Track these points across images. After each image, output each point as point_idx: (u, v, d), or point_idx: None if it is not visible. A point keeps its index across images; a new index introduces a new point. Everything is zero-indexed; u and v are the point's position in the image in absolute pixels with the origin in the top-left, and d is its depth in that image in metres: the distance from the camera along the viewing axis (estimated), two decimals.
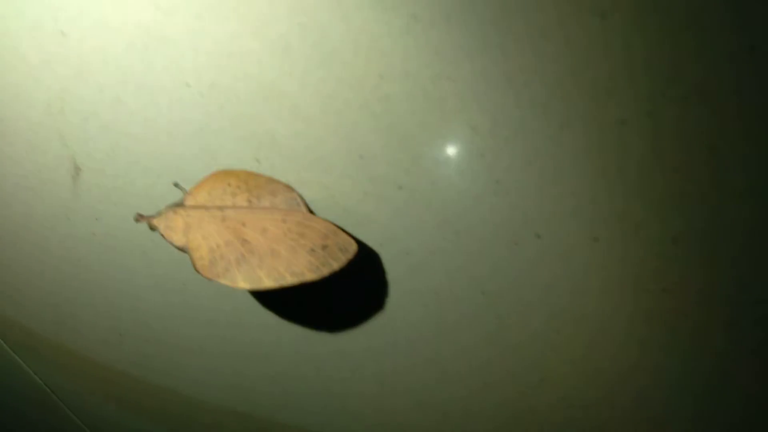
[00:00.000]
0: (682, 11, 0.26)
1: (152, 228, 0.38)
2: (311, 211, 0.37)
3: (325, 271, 0.33)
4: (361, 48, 0.30)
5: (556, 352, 0.39)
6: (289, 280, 0.33)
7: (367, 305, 0.41)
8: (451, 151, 0.32)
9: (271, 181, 0.36)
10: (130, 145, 0.37)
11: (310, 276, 0.33)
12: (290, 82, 0.32)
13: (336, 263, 0.33)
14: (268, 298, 0.43)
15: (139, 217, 0.38)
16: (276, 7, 0.30)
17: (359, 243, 0.33)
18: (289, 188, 0.36)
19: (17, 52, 0.35)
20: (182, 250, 0.36)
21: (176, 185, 0.38)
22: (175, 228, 0.36)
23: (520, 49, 0.28)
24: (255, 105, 0.33)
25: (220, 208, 0.35)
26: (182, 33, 0.32)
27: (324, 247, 0.33)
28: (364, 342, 0.42)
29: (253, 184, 0.36)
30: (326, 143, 0.33)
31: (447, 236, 0.35)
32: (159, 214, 0.37)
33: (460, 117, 0.31)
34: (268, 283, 0.33)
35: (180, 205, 0.37)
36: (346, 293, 0.40)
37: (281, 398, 0.49)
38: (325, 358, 0.44)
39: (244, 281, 0.34)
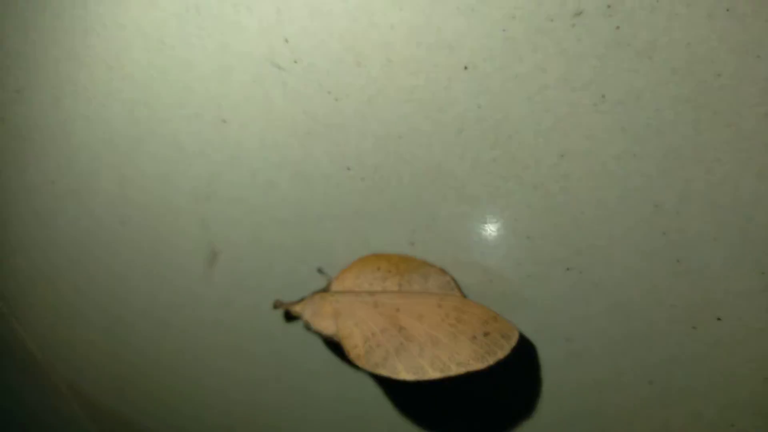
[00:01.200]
0: None
1: (292, 316, 0.36)
2: (464, 295, 0.35)
3: (491, 360, 0.31)
4: (543, 128, 0.29)
5: None
6: (454, 370, 0.31)
7: (514, 401, 0.38)
8: (630, 229, 0.30)
9: (423, 264, 0.35)
10: (275, 229, 0.36)
11: (476, 365, 0.31)
12: (460, 163, 0.31)
13: (501, 351, 0.31)
14: (397, 389, 0.40)
15: (279, 304, 0.37)
16: (455, 90, 0.30)
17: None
18: (442, 271, 0.35)
19: (174, 140, 0.35)
20: (330, 339, 0.35)
21: (320, 271, 0.37)
22: (323, 315, 0.35)
23: (714, 126, 0.27)
24: (418, 187, 0.32)
25: (371, 293, 0.34)
26: (350, 118, 0.32)
27: (486, 335, 0.31)
28: None
29: (405, 267, 0.35)
30: (491, 224, 0.32)
31: (616, 320, 0.33)
32: (302, 300, 0.36)
33: (642, 194, 0.29)
34: (432, 373, 0.31)
35: (327, 290, 0.36)
36: (489, 388, 0.38)
37: None
38: None
39: (406, 372, 0.31)
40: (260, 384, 0.43)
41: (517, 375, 0.37)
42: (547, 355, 0.35)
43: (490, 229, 0.33)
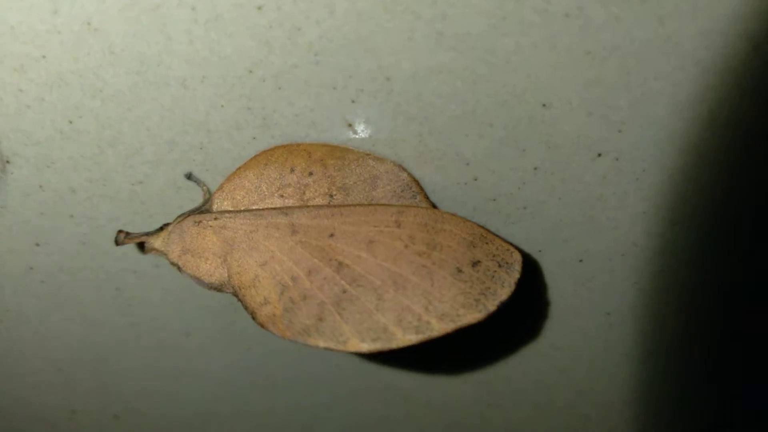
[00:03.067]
0: None
1: (150, 251, 0.22)
2: (433, 205, 0.22)
3: (490, 305, 0.19)
4: None
5: None
6: (437, 327, 0.19)
7: (508, 340, 0.27)
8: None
9: (366, 158, 0.21)
10: (103, 106, 0.20)
11: (469, 316, 0.19)
12: None
13: (502, 289, 0.19)
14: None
15: (125, 238, 0.22)
16: None
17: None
18: (397, 167, 0.21)
19: None
20: (218, 289, 0.21)
21: (190, 177, 0.22)
22: (203, 251, 0.20)
23: None
24: (364, 19, 0.18)
25: (284, 211, 0.20)
26: None
27: (475, 264, 0.19)
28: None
29: (335, 165, 0.21)
30: (487, 83, 0.19)
31: (656, 229, 0.22)
32: (163, 228, 0.21)
33: None
34: (403, 337, 0.19)
35: (206, 210, 0.21)
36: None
37: None
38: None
39: (360, 339, 0.19)
40: (108, 360, 0.28)
41: (515, 313, 0.25)
42: (558, 286, 0.24)
43: (484, 90, 0.19)
